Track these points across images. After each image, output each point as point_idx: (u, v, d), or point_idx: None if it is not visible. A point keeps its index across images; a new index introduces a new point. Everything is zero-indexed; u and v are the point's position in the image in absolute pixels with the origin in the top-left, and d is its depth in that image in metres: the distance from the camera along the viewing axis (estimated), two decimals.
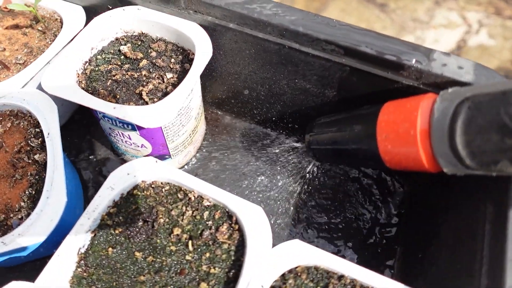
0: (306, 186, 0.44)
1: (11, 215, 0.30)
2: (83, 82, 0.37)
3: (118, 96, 0.36)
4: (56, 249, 0.37)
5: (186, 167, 0.46)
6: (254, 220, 0.31)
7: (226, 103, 0.49)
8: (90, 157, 0.47)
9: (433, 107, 0.26)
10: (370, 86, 0.36)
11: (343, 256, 0.40)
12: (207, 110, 0.50)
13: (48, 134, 0.34)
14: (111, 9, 0.42)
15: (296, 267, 0.30)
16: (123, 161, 0.46)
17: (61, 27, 0.43)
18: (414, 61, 0.33)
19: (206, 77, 0.45)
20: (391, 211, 0.43)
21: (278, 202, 0.43)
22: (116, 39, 0.40)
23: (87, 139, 0.48)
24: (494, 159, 0.23)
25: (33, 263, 0.38)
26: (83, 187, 0.44)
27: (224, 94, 0.47)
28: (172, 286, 0.29)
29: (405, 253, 0.40)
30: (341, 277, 0.30)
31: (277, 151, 0.46)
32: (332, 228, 0.42)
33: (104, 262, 0.30)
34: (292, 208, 0.43)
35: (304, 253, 0.30)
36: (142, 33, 0.41)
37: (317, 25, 0.35)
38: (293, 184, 0.44)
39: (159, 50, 0.40)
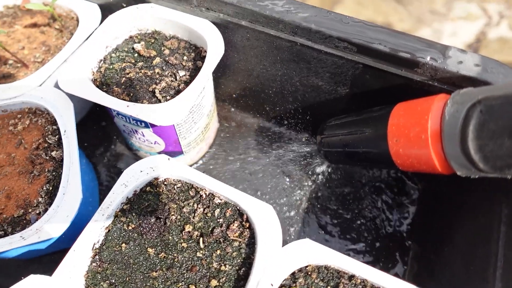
0: (317, 184, 0.44)
1: (30, 210, 0.31)
2: (98, 80, 0.37)
3: (131, 94, 0.36)
4: (72, 242, 0.38)
5: (198, 163, 0.46)
6: (265, 219, 0.31)
7: (238, 100, 0.49)
8: (105, 152, 0.48)
9: (444, 110, 0.25)
10: (383, 84, 0.36)
11: (355, 256, 0.40)
12: (220, 106, 0.50)
13: (65, 131, 0.34)
14: (125, 7, 0.42)
15: (307, 266, 0.30)
16: (137, 156, 0.47)
17: (77, 25, 0.44)
18: (429, 58, 0.32)
19: (219, 74, 0.45)
20: (404, 210, 0.43)
21: (289, 200, 0.43)
22: (130, 37, 0.41)
23: (103, 134, 0.49)
24: (508, 163, 0.22)
25: (50, 255, 0.40)
26: (98, 181, 0.45)
27: (236, 91, 0.47)
28: (183, 283, 0.29)
29: (418, 254, 0.40)
30: (351, 277, 0.29)
31: (289, 148, 0.46)
32: (344, 227, 0.42)
33: (117, 257, 0.30)
34: (303, 206, 0.43)
35: (315, 252, 0.30)
36: (156, 31, 0.41)
37: (330, 22, 0.35)
38: (304, 181, 0.44)
39: (172, 48, 0.40)
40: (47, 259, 0.40)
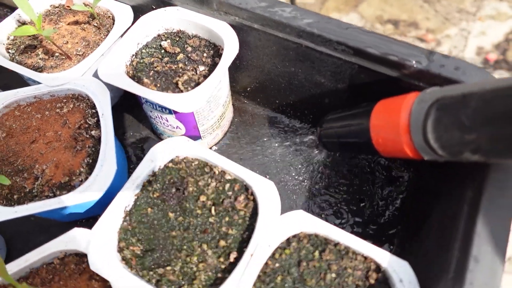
0: (317, 169, 0.50)
1: (74, 178, 0.38)
2: (130, 72, 0.44)
3: (158, 85, 0.43)
4: (105, 209, 0.45)
5: (214, 147, 0.53)
6: (267, 193, 0.37)
7: (251, 93, 0.55)
8: (133, 135, 0.54)
9: (412, 108, 0.30)
10: (377, 82, 0.41)
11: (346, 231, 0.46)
12: (235, 98, 0.56)
13: (102, 114, 0.41)
14: (155, 9, 0.48)
15: (299, 233, 0.36)
16: (161, 139, 0.53)
17: (113, 24, 0.50)
18: (414, 62, 0.37)
19: (234, 69, 0.51)
20: (395, 194, 0.48)
21: (290, 181, 0.49)
22: (158, 35, 0.47)
23: (132, 120, 0.55)
24: (460, 150, 0.27)
25: (87, 220, 0.47)
26: (127, 160, 0.52)
27: (249, 84, 0.53)
28: (197, 242, 0.36)
29: (404, 231, 0.45)
30: (336, 244, 0.35)
31: (295, 136, 0.52)
32: (338, 206, 0.47)
33: (144, 219, 0.37)
34: (302, 187, 0.49)
35: (307, 222, 0.35)
36: (180, 30, 0.47)
37: (330, 27, 0.40)
38: (306, 166, 0.50)
39: (194, 46, 0.46)
40: (82, 223, 0.47)
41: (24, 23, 0.51)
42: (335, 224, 0.46)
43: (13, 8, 0.67)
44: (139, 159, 0.52)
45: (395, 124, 0.32)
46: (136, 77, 0.43)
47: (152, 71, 0.44)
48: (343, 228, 0.46)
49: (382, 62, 0.39)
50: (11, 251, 0.47)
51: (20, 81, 0.53)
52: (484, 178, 0.32)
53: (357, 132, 0.37)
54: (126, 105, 0.56)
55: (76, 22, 0.51)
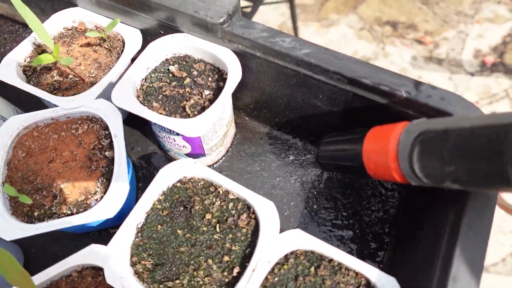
0: (313, 186, 0.53)
1: (89, 196, 0.41)
2: (141, 96, 0.47)
3: (167, 109, 0.46)
4: (114, 223, 0.48)
5: (217, 163, 0.56)
6: (267, 212, 0.40)
7: (252, 111, 0.58)
8: (141, 151, 0.58)
9: (400, 137, 0.33)
10: (369, 109, 0.44)
11: (340, 247, 0.49)
12: (237, 116, 0.59)
13: (115, 136, 0.44)
14: (163, 33, 0.52)
15: (296, 250, 0.39)
16: (167, 155, 0.56)
17: (123, 46, 0.53)
18: (403, 91, 0.40)
19: (237, 90, 0.54)
20: (387, 211, 0.51)
21: (289, 198, 0.52)
22: (166, 59, 0.50)
23: (140, 136, 0.59)
24: (441, 180, 0.30)
25: (99, 232, 0.50)
26: (135, 174, 0.55)
27: (251, 104, 0.56)
28: (203, 257, 0.39)
29: (393, 246, 0.48)
30: (331, 260, 0.38)
31: (293, 154, 0.55)
32: (333, 223, 0.50)
33: (154, 235, 0.40)
34: (299, 204, 0.52)
35: (303, 240, 0.39)
36: (187, 55, 0.50)
37: (327, 57, 0.43)
38: (302, 184, 0.53)
39: (199, 70, 0.49)
40: (94, 234, 0.50)
41: (39, 46, 0.54)
42: (329, 241, 0.50)
43: (24, 25, 0.70)
44: (146, 173, 0.56)
45: (385, 151, 0.35)
46: (146, 101, 0.47)
47: (161, 95, 0.47)
48: (336, 244, 0.49)
49: (374, 91, 0.42)
50: (26, 262, 0.50)
51: (34, 97, 0.56)
52: (464, 204, 0.35)
53: (351, 156, 0.40)
54: (134, 121, 0.59)
55: (88, 44, 0.55)
